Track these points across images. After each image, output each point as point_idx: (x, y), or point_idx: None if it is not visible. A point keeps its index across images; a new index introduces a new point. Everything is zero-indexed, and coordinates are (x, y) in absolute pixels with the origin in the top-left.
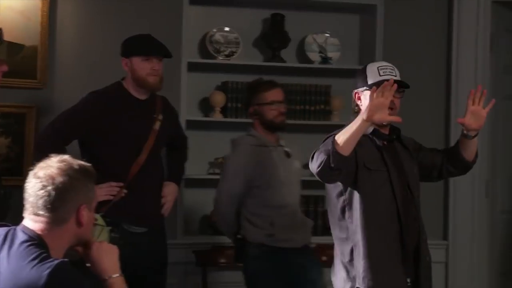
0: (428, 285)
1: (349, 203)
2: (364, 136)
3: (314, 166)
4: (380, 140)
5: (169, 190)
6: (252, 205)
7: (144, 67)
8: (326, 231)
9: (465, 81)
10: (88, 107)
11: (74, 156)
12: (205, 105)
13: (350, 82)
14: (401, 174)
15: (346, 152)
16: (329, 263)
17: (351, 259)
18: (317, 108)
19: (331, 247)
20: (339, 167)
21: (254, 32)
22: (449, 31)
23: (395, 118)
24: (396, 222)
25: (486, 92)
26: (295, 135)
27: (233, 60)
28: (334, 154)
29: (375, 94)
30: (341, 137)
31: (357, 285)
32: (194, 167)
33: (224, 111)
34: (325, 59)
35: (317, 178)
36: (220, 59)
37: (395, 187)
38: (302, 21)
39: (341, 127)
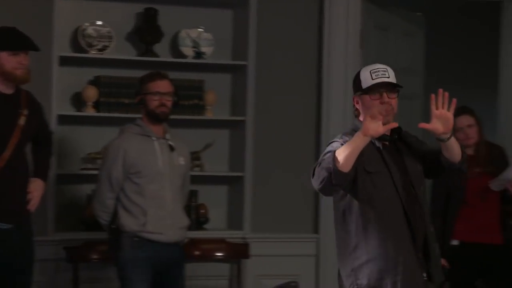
0: (440, 274)
1: (349, 207)
2: None
3: (315, 183)
4: (380, 142)
5: (35, 186)
6: (129, 192)
7: (11, 61)
8: (200, 225)
9: (336, 78)
10: None
11: None
12: (77, 100)
13: (224, 76)
14: (404, 174)
15: (346, 168)
16: (202, 257)
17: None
18: (190, 103)
19: (204, 241)
20: (340, 183)
21: (127, 27)
22: (320, 27)
23: (389, 126)
24: (403, 222)
25: (448, 94)
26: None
27: (105, 55)
28: (335, 172)
29: (367, 118)
30: (342, 154)
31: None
32: (66, 163)
33: (97, 106)
34: (199, 54)
35: (319, 192)
36: (93, 54)
37: (398, 187)
38: (175, 15)
39: (214, 122)
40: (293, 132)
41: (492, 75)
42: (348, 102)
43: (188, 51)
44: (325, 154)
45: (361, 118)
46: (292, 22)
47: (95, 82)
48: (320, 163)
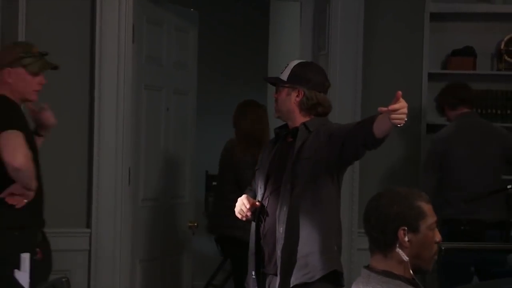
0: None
1: None
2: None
3: None
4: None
5: None
6: None
7: None
8: None
9: (108, 72)
10: None
11: None
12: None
13: None
14: (278, 169)
15: None
16: None
17: None
18: None
19: None
20: None
21: None
22: (93, 21)
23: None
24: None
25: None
26: None
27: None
28: None
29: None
30: None
31: None
32: None
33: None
34: None
35: None
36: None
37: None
38: None
39: None
40: (65, 126)
41: (263, 71)
42: (121, 95)
43: None
44: None
45: None
46: (63, 14)
47: None
48: None
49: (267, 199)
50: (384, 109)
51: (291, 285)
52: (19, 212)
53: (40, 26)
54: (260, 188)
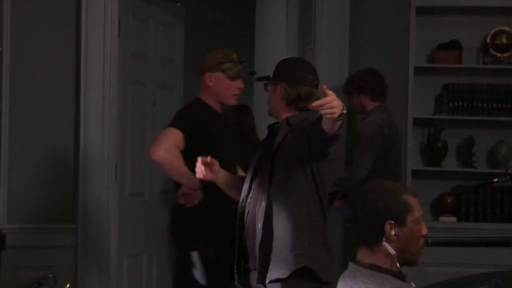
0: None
1: None
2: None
3: None
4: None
5: None
6: None
7: None
8: None
9: (94, 66)
10: None
11: None
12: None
13: None
14: (262, 165)
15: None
16: None
17: None
18: None
19: None
20: None
21: None
22: (78, 16)
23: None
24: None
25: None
26: None
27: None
28: None
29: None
30: None
31: None
32: None
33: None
34: None
35: None
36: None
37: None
38: None
39: None
40: (51, 121)
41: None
42: (107, 91)
43: None
44: None
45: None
46: (49, 9)
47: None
48: None
49: (251, 194)
50: (311, 105)
51: (268, 281)
52: (185, 212)
53: (25, 20)
54: (246, 183)
